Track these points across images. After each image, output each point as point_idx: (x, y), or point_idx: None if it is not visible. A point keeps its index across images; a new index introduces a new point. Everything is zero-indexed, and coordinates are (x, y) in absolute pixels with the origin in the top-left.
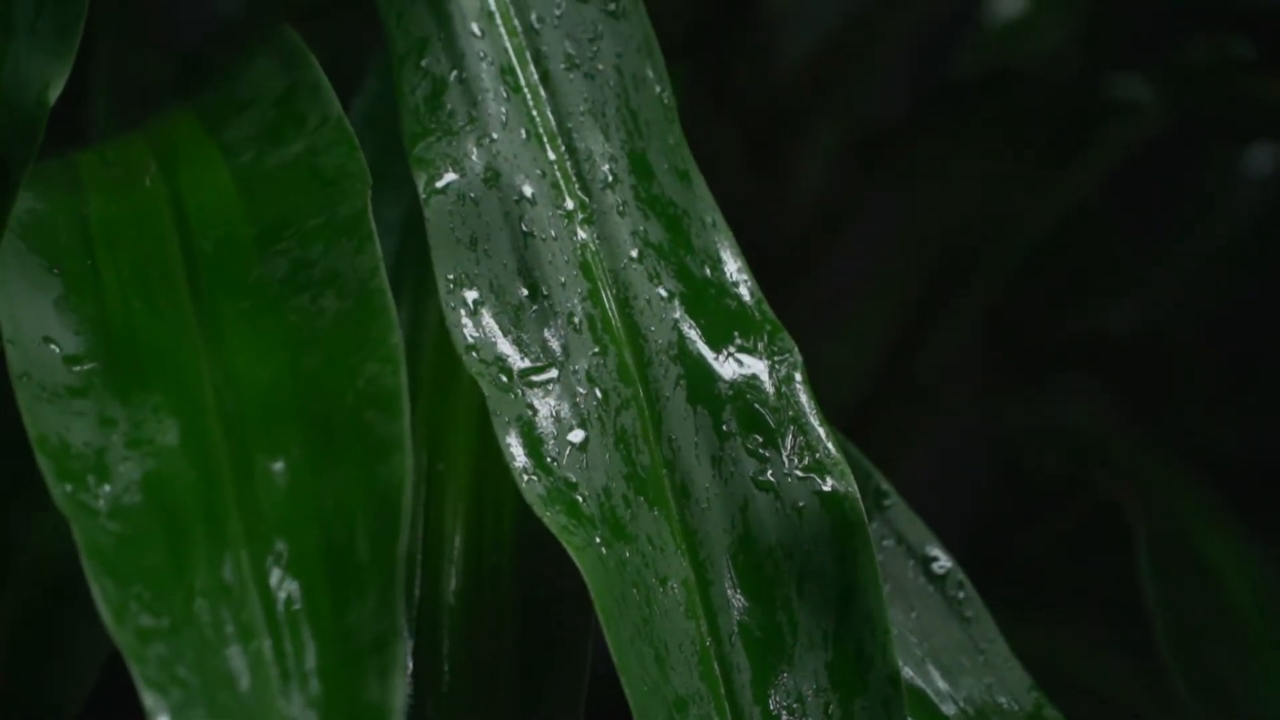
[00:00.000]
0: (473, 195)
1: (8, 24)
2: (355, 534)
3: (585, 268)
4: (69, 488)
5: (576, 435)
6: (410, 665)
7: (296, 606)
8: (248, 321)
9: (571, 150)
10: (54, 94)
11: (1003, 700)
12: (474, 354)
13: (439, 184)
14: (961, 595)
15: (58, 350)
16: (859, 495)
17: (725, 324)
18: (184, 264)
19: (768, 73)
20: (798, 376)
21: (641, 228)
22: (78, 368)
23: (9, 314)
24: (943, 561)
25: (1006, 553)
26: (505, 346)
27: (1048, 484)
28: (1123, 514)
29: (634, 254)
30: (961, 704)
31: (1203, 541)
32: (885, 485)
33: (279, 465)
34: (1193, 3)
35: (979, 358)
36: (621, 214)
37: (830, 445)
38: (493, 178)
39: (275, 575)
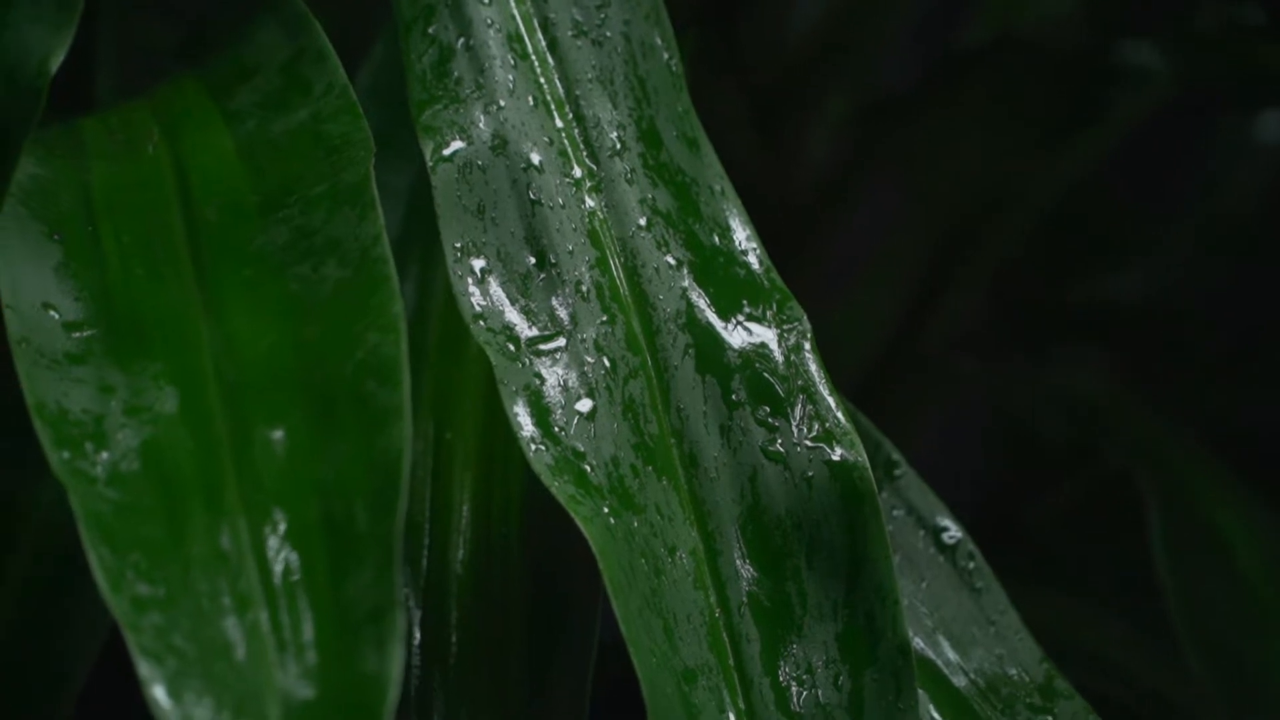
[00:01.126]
0: (480, 163)
1: None
2: (354, 504)
3: (593, 235)
4: (66, 454)
5: (584, 404)
6: (418, 635)
7: (294, 577)
8: (249, 289)
9: (579, 118)
10: (55, 63)
11: (1013, 672)
12: (481, 322)
13: (446, 151)
14: (972, 566)
15: (57, 316)
16: (869, 465)
17: (734, 292)
18: (185, 231)
19: (776, 43)
20: (807, 345)
21: (650, 195)
22: (77, 334)
23: (8, 279)
24: (953, 532)
25: (1015, 523)
26: (513, 315)
27: (1056, 454)
28: (1132, 484)
29: (642, 222)
30: (972, 675)
31: (1213, 512)
32: (895, 455)
33: (278, 434)
34: None
35: (987, 327)
36: (630, 182)
37: (840, 415)
38: (500, 145)
39: (273, 545)
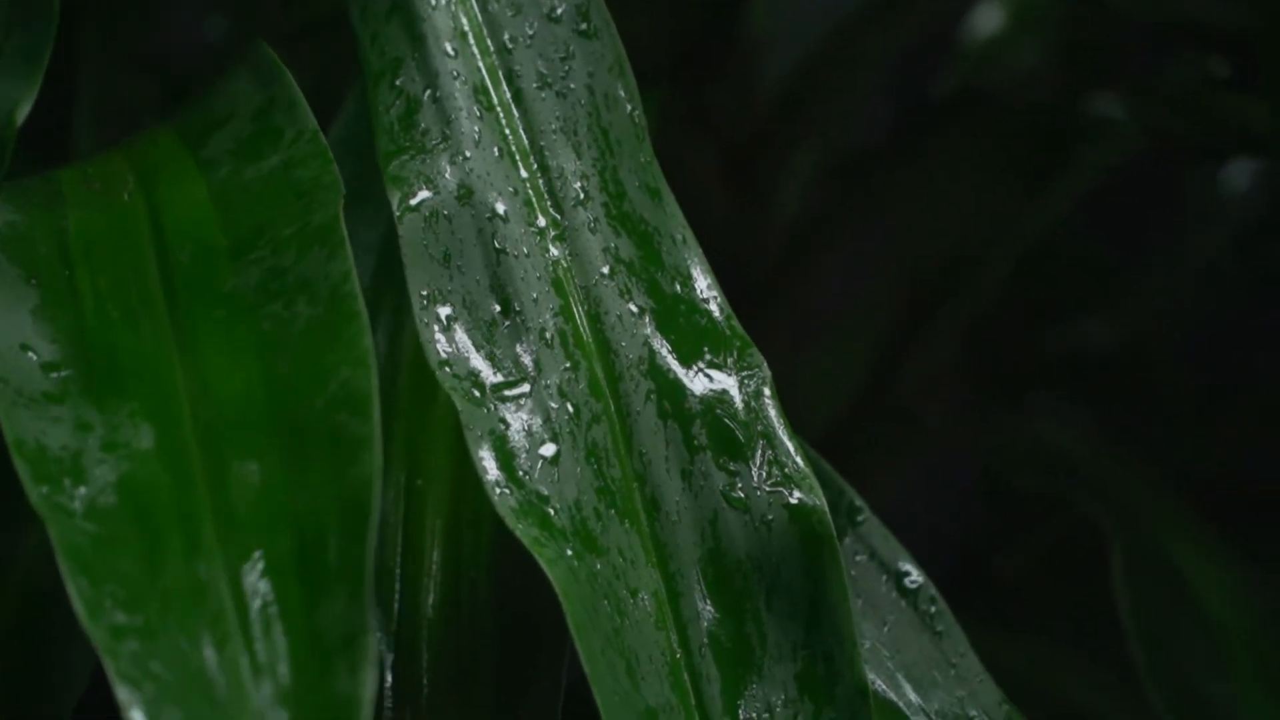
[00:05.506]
0: (446, 212)
1: None
2: (326, 534)
3: (557, 284)
4: (45, 489)
5: (548, 449)
6: (389, 679)
7: (269, 605)
8: (222, 329)
9: (544, 168)
10: (21, 114)
11: (974, 713)
12: (447, 369)
13: (413, 201)
14: (933, 610)
15: (35, 358)
16: (827, 509)
17: (695, 340)
18: (160, 275)
19: (746, 96)
20: (766, 392)
21: (613, 244)
22: (55, 374)
23: None
24: (915, 576)
25: (986, 570)
26: (478, 361)
27: (1027, 502)
28: (1099, 530)
29: (605, 270)
30: (933, 717)
31: (1179, 558)
32: (859, 501)
33: (252, 467)
34: (1169, 23)
35: (959, 377)
36: (593, 231)
37: (799, 460)
38: (466, 195)
39: (248, 575)
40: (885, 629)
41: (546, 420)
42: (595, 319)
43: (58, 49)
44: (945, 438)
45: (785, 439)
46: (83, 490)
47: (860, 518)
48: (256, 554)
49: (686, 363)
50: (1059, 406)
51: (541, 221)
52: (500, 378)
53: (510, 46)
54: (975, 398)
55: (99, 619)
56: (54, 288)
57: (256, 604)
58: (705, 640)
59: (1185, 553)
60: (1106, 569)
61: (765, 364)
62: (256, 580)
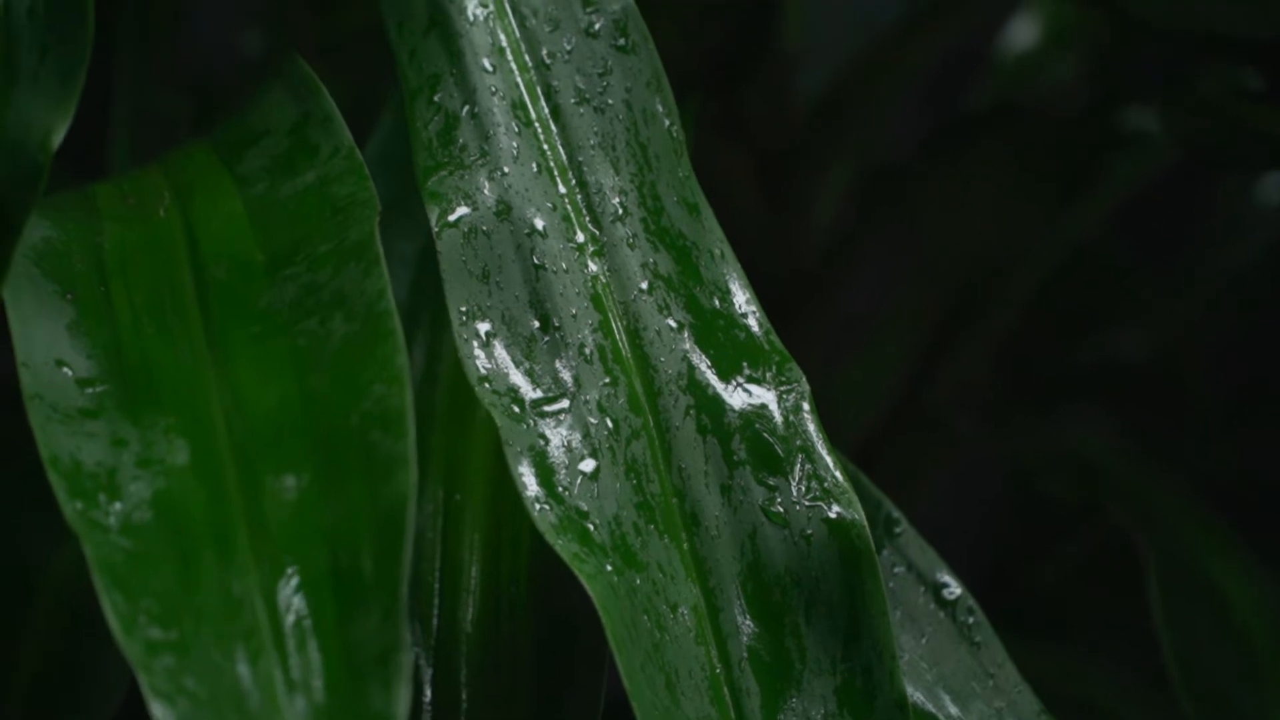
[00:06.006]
0: (485, 228)
1: (11, 70)
2: (360, 550)
3: (596, 299)
4: (79, 505)
5: (588, 465)
6: (429, 693)
7: (303, 621)
8: (257, 345)
9: (582, 184)
10: (57, 139)
11: None
12: (487, 385)
13: (451, 217)
14: (971, 621)
15: (70, 373)
16: (866, 523)
17: (734, 354)
18: (195, 290)
19: (782, 107)
20: (805, 406)
21: (651, 260)
22: (90, 390)
23: (23, 337)
24: (953, 588)
25: (1020, 579)
26: (517, 377)
27: (1060, 511)
28: (1132, 540)
29: (644, 286)
30: None
31: (1211, 568)
32: (896, 513)
33: (287, 484)
34: (1201, 36)
35: (992, 387)
36: (631, 246)
37: (838, 474)
38: (504, 211)
39: (282, 591)
40: (924, 640)
41: (586, 436)
42: (634, 334)
43: (94, 65)
44: (978, 447)
45: (824, 453)
46: (118, 506)
47: (898, 529)
48: (291, 570)
49: (725, 377)
50: (1092, 416)
51: (580, 237)
52: (540, 393)
53: (548, 62)
54: (1008, 407)
55: (134, 634)
56: (90, 303)
57: (291, 619)
58: (745, 655)
59: (1217, 562)
60: (1139, 578)
61: (804, 378)
62: (291, 596)
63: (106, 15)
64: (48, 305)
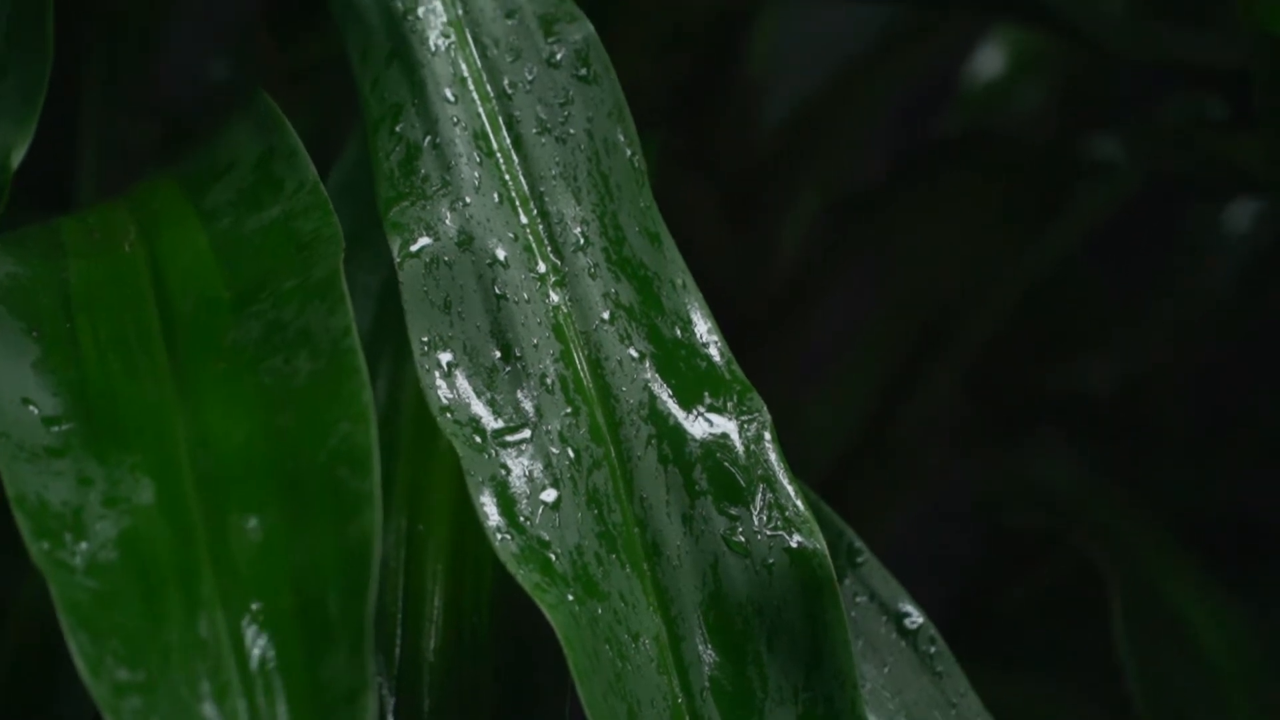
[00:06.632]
0: (446, 259)
1: None
2: (326, 589)
3: (557, 329)
4: (46, 545)
5: (549, 495)
6: None
7: (270, 661)
8: (223, 382)
9: (544, 214)
10: (17, 158)
11: None
12: (448, 415)
13: (413, 248)
14: (934, 650)
15: (36, 411)
16: (827, 552)
17: (695, 384)
18: (161, 327)
19: (746, 137)
20: (767, 436)
21: (613, 290)
22: (56, 428)
23: None
24: (915, 618)
25: (985, 608)
26: (479, 407)
27: (1026, 541)
28: (1097, 569)
29: (605, 316)
30: None
31: (1177, 598)
32: (858, 543)
33: (253, 523)
34: (1166, 64)
35: (959, 417)
36: (593, 276)
37: (799, 503)
38: (466, 241)
39: (249, 631)
40: (886, 670)
41: (548, 466)
42: (596, 364)
43: (61, 95)
44: (945, 476)
45: (785, 483)
46: (84, 545)
47: (860, 559)
48: (257, 609)
49: (687, 407)
50: (1059, 446)
51: (542, 267)
52: (501, 423)
53: (510, 92)
54: (975, 437)
55: (100, 675)
56: (55, 340)
57: (257, 659)
58: (707, 684)
59: (1183, 592)
60: (1105, 608)
61: (765, 408)
62: (257, 635)
63: (73, 44)
64: (13, 342)
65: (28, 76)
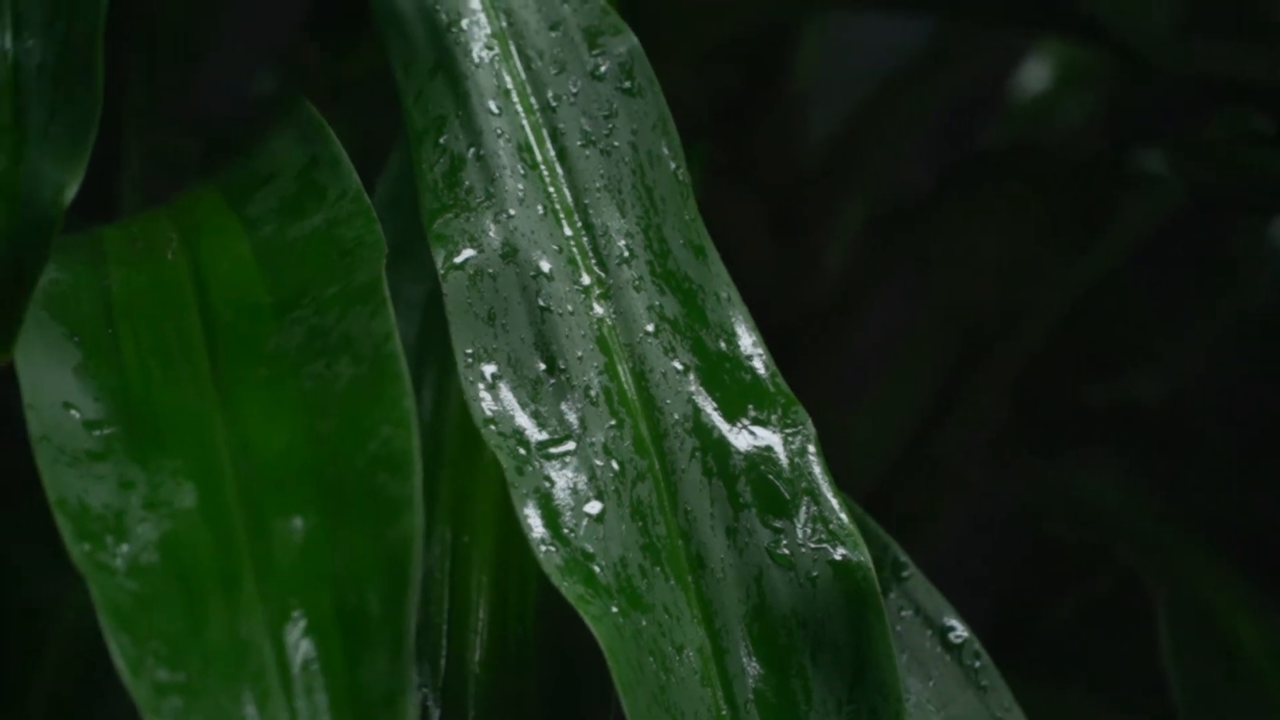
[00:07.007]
0: (490, 271)
1: (22, 128)
2: (367, 592)
3: (602, 342)
4: (87, 547)
5: (593, 507)
6: None
7: (310, 664)
8: (264, 387)
9: (588, 226)
10: (68, 196)
11: None
12: (492, 427)
13: (457, 260)
14: (978, 664)
15: (77, 415)
16: (871, 565)
17: (740, 397)
18: (203, 333)
19: (792, 150)
20: (811, 449)
21: (657, 302)
22: (97, 432)
23: (30, 380)
24: (959, 631)
25: (1029, 623)
26: (523, 419)
27: (1071, 555)
28: (1142, 583)
29: (650, 328)
30: None
31: (1222, 612)
32: (903, 557)
33: (293, 527)
34: (1211, 79)
35: (1003, 430)
36: (637, 289)
37: (844, 516)
38: (510, 253)
39: (289, 633)
40: (930, 684)
41: (592, 478)
42: (640, 376)
43: (104, 105)
44: (989, 490)
45: (830, 496)
46: (125, 548)
47: (905, 573)
48: (298, 612)
49: (731, 420)
50: (1103, 458)
51: (586, 279)
52: (545, 435)
53: (554, 105)
54: (1019, 449)
55: (141, 676)
56: (97, 345)
57: (298, 662)
58: (750, 696)
59: (1229, 607)
60: (1150, 622)
61: (809, 420)
62: (298, 638)
63: (117, 54)
64: (55, 347)
65: (77, 118)
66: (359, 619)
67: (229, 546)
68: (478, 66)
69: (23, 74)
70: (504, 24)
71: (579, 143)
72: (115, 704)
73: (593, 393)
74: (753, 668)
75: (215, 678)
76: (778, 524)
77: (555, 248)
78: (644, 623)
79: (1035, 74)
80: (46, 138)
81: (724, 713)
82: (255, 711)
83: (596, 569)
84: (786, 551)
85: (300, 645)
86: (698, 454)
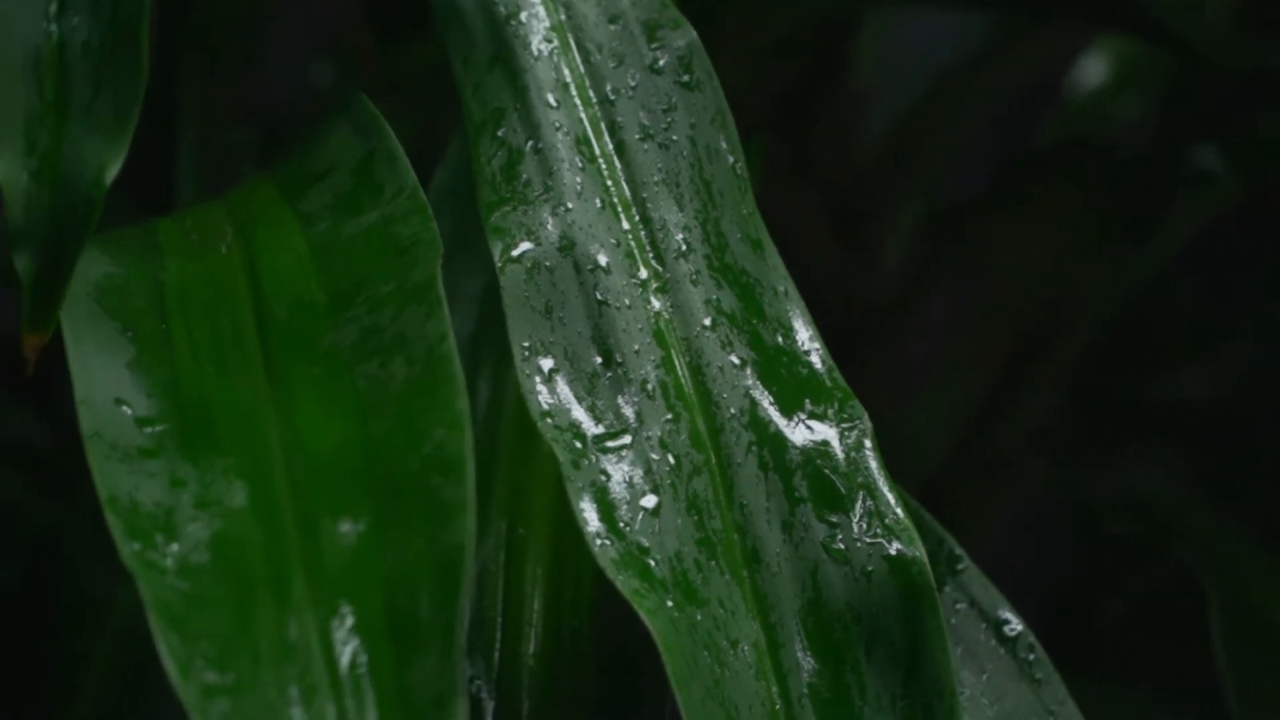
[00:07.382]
0: (548, 264)
1: (64, 105)
2: (418, 596)
3: (658, 335)
4: (137, 546)
5: (649, 500)
6: None
7: (359, 666)
8: (318, 386)
9: (646, 220)
10: (110, 175)
11: None
12: (549, 420)
13: (515, 253)
14: (1032, 658)
15: (129, 412)
16: (927, 560)
17: (796, 391)
18: (256, 329)
19: (850, 146)
20: (867, 443)
21: (714, 296)
22: (149, 429)
23: (82, 375)
24: (1014, 625)
25: (1083, 619)
26: (579, 413)
27: (1125, 551)
28: (1195, 580)
29: (707, 322)
30: None
31: (1276, 610)
32: (958, 550)
33: (345, 528)
34: (1269, 76)
35: (1058, 427)
36: (695, 283)
37: (899, 511)
38: (568, 247)
39: (339, 635)
40: (984, 677)
41: (648, 472)
42: (697, 371)
43: (160, 97)
44: (1044, 486)
45: (886, 490)
46: (175, 547)
47: (960, 566)
48: (347, 613)
49: (788, 414)
50: (1158, 456)
51: (643, 273)
52: (602, 429)
53: (612, 98)
54: (1074, 447)
55: (189, 677)
56: (150, 340)
57: (346, 663)
58: (805, 690)
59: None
60: (1203, 619)
61: (866, 415)
62: (347, 639)
63: (173, 47)
64: (107, 342)
65: (121, 95)
66: (410, 621)
67: (279, 546)
68: (536, 59)
69: (67, 52)
70: (563, 17)
71: (637, 136)
72: (164, 700)
73: (649, 386)
74: (807, 662)
75: (264, 679)
76: (833, 518)
77: (613, 241)
78: (699, 617)
79: (1092, 70)
80: (89, 115)
81: (778, 707)
82: (302, 713)
83: (652, 563)
84: (842, 546)
85: (350, 647)
86: (754, 448)
